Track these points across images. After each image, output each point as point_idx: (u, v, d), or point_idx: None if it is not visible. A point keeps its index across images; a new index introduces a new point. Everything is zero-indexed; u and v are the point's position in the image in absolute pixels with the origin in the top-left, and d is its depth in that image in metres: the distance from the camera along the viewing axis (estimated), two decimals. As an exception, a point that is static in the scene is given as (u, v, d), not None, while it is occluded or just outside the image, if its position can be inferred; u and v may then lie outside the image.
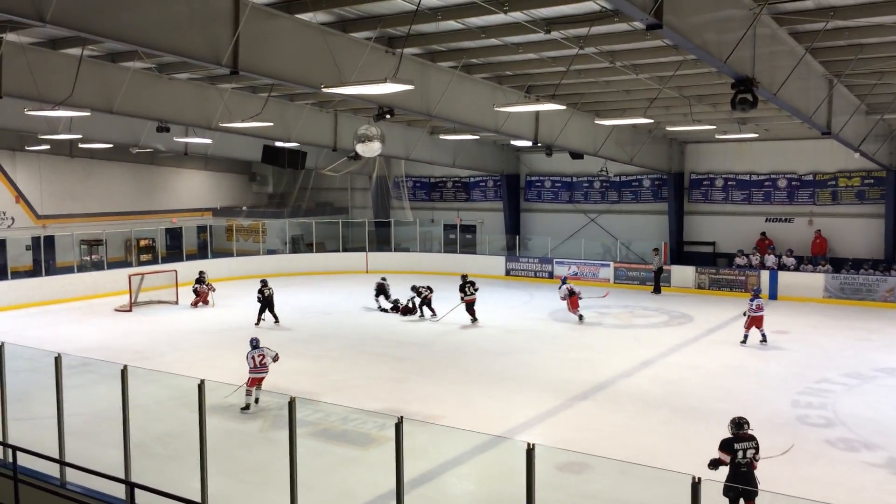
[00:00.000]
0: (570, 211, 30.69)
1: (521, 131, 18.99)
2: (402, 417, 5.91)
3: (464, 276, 20.53)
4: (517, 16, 11.31)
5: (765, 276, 24.15)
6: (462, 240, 31.94)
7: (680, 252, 27.93)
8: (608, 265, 27.34)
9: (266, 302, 19.99)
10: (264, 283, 20.24)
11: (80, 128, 20.52)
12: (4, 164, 28.30)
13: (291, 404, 6.35)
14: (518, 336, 18.85)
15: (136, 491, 6.88)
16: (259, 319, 19.94)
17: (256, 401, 12.51)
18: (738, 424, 8.36)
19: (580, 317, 20.16)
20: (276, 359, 12.82)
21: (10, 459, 7.69)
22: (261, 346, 12.84)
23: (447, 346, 17.73)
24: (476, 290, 20.20)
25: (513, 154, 31.26)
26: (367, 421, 11.85)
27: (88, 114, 15.95)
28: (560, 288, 20.69)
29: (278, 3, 11.14)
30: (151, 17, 9.65)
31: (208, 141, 23.73)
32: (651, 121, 18.57)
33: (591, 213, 30.30)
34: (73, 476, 7.66)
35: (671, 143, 27.28)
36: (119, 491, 7.11)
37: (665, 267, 25.96)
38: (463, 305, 20.09)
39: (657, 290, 25.47)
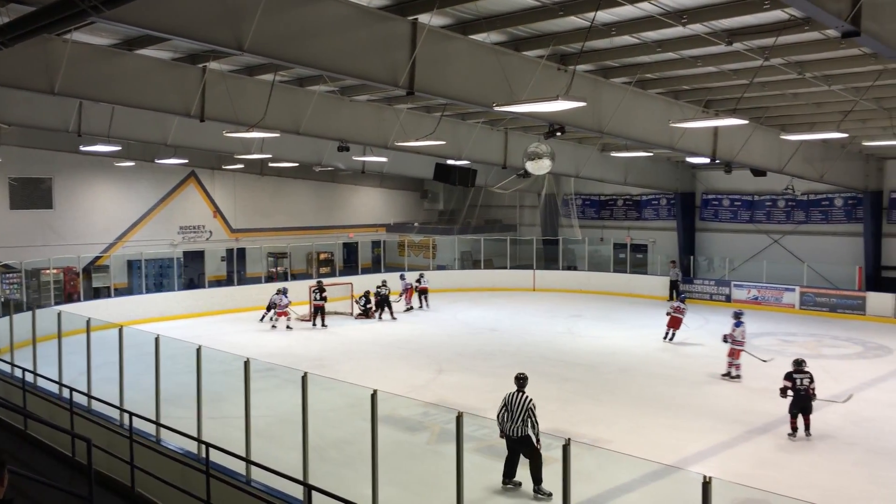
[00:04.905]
0: (750, 231, 28.97)
1: (698, 147, 18.21)
2: (569, 439, 5.78)
3: (319, 282, 23.74)
4: (696, 28, 10.87)
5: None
6: (633, 259, 31.05)
7: (877, 277, 25.49)
8: (793, 290, 25.52)
9: (382, 300, 24.08)
10: (383, 284, 24.25)
11: (270, 148, 22.08)
12: (205, 182, 31.06)
13: (459, 419, 6.40)
14: (692, 361, 17.99)
15: (314, 493, 7.18)
16: (380, 313, 24.11)
17: (288, 327, 22.22)
18: (797, 363, 12.22)
19: None
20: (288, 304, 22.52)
21: (204, 455, 8.31)
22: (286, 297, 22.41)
23: (615, 369, 17.25)
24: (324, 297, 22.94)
25: (688, 171, 30.03)
26: (533, 440, 11.72)
27: (278, 135, 17.11)
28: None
29: (454, 25, 11.43)
30: (336, 44, 10.21)
31: (384, 159, 24.78)
32: (845, 135, 17.03)
33: (774, 233, 28.43)
34: (256, 474, 8.14)
35: (868, 159, 25.05)
36: (297, 491, 7.47)
37: (860, 293, 23.80)
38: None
39: (681, 299, 22.41)
